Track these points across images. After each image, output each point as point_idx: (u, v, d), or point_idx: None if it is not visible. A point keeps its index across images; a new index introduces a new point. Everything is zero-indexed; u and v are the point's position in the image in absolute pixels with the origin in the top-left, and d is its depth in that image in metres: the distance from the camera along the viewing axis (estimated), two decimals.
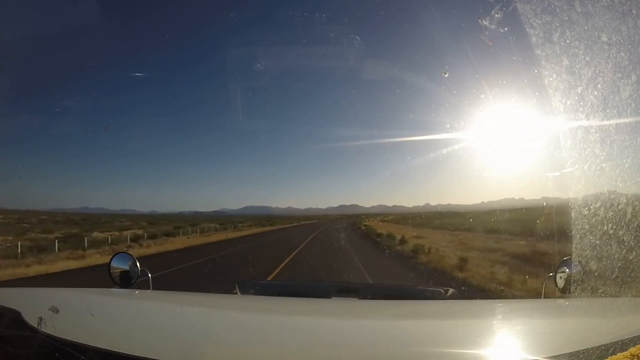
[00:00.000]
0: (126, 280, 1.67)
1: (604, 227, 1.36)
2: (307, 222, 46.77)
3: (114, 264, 1.68)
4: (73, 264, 11.83)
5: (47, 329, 0.88)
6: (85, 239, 17.57)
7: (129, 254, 1.75)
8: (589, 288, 1.35)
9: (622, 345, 0.75)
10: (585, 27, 1.55)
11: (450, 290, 1.66)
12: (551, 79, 1.72)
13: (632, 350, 0.71)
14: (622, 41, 1.46)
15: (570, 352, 0.75)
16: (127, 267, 1.68)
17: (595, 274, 1.35)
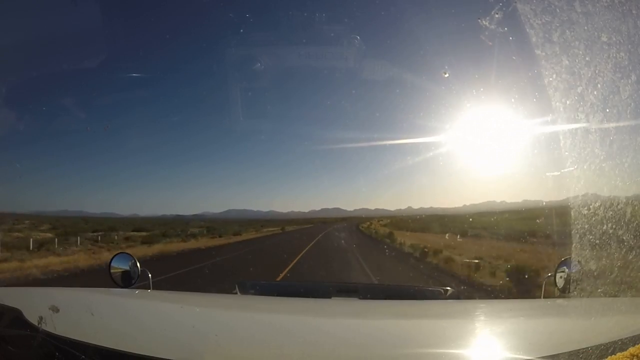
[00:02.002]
0: (126, 280, 1.67)
1: (603, 226, 1.36)
2: (281, 231, 32.58)
3: (114, 264, 1.68)
4: None
5: (48, 327, 0.88)
6: None
7: (129, 254, 1.75)
8: (588, 288, 1.35)
9: (621, 345, 0.75)
10: (585, 27, 1.55)
11: (450, 290, 1.67)
12: (551, 79, 1.72)
13: (632, 350, 0.71)
14: (622, 41, 1.46)
15: (570, 352, 0.76)
16: (127, 267, 1.68)
17: (595, 274, 1.35)
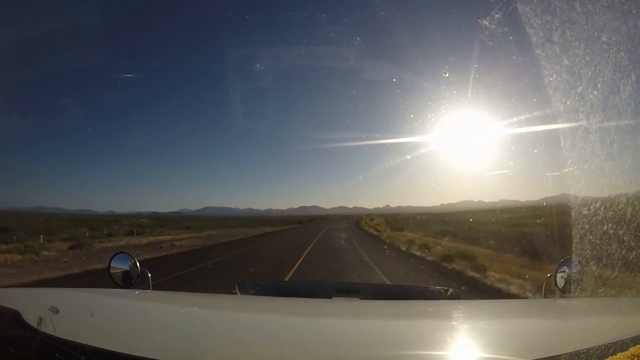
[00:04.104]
0: (126, 281, 1.67)
1: (603, 226, 1.36)
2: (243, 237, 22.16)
3: (114, 264, 1.67)
4: None
5: (47, 329, 0.87)
6: None
7: (129, 254, 1.74)
8: (589, 288, 1.35)
9: (622, 345, 0.75)
10: (586, 27, 1.55)
11: (451, 290, 1.66)
12: (551, 78, 1.72)
13: (633, 350, 0.71)
14: (622, 41, 1.46)
15: (571, 352, 0.75)
16: (127, 267, 1.68)
17: (596, 274, 1.35)
